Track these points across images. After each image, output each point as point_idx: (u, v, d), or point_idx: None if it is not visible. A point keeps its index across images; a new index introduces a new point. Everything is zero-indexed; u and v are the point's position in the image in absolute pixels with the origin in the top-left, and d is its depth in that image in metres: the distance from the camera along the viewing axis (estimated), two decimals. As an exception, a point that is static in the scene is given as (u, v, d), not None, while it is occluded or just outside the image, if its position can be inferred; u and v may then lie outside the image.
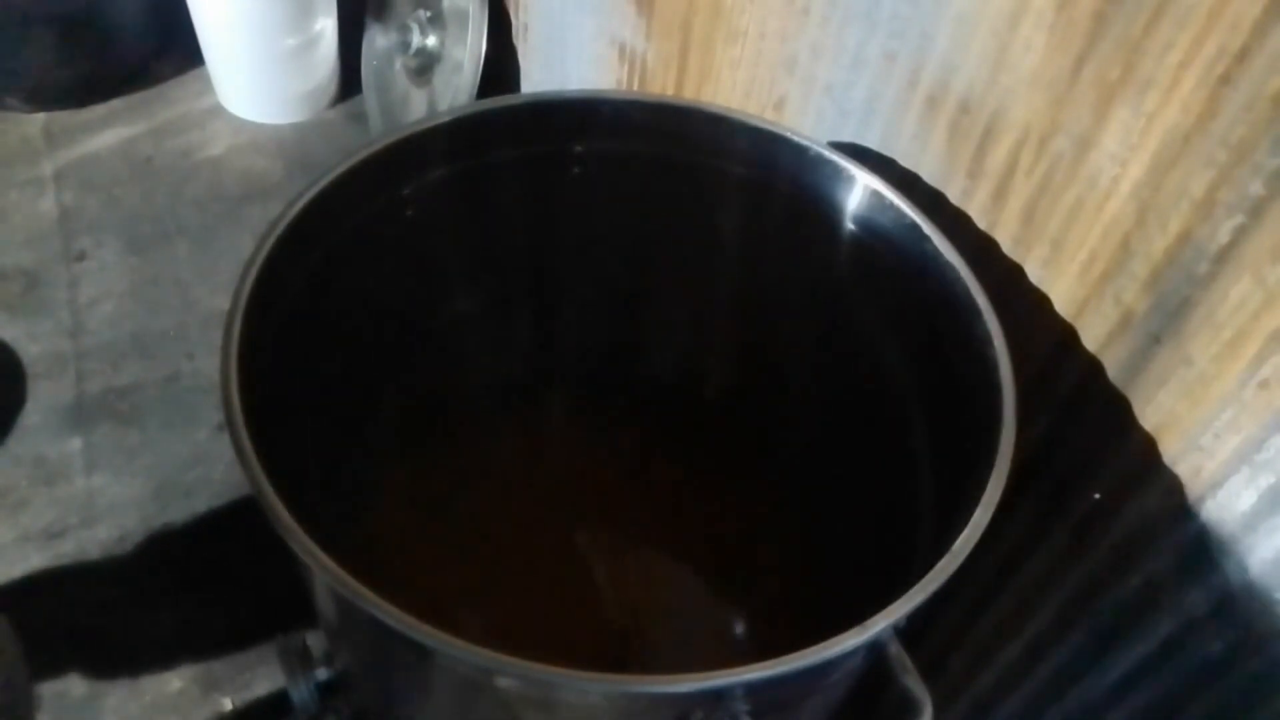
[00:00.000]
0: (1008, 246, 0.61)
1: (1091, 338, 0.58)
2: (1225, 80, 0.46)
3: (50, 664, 1.03)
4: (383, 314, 0.70)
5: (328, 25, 1.48)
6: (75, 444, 1.15)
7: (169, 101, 1.56)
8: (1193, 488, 0.53)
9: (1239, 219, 0.47)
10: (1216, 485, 0.52)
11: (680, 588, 0.79)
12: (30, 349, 1.23)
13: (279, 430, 0.48)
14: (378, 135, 0.59)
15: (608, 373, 0.82)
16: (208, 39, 1.48)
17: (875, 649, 0.50)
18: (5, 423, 1.16)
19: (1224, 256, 0.49)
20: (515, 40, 1.27)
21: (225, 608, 1.06)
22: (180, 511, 1.11)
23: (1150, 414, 0.55)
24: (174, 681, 1.02)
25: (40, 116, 1.51)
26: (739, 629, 0.75)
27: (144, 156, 1.49)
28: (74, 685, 1.02)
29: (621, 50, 1.00)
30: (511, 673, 0.40)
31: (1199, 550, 0.54)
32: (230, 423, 0.46)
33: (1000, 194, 0.61)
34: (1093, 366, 0.58)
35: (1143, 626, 0.59)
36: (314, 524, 0.43)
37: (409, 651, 0.46)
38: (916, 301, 0.61)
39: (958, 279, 0.56)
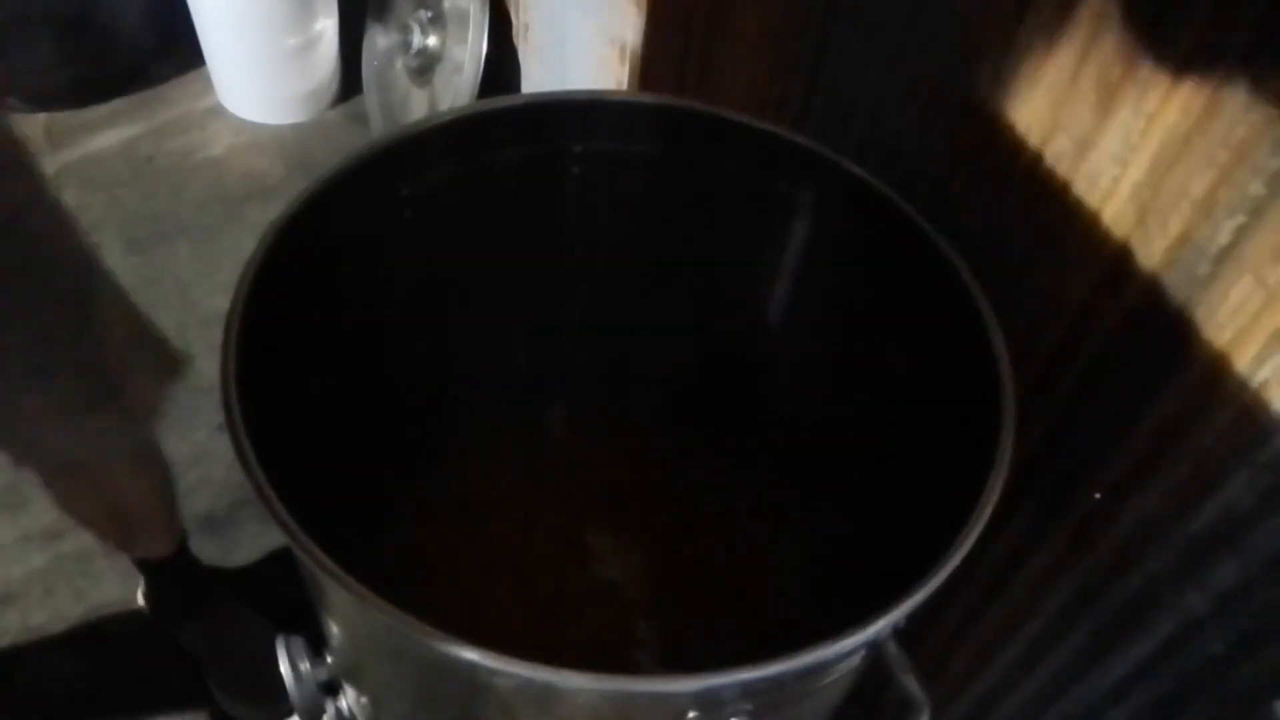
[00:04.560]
0: (1008, 247, 0.61)
1: (1091, 338, 0.58)
2: (1226, 80, 0.46)
3: (51, 662, 1.03)
4: (383, 314, 0.69)
5: (328, 25, 1.48)
6: (76, 444, 1.15)
7: (169, 101, 1.56)
8: (1193, 487, 0.53)
9: (1240, 219, 0.47)
10: (1216, 485, 0.52)
11: (680, 587, 0.79)
12: (31, 349, 1.23)
13: (279, 430, 0.48)
14: (378, 135, 0.59)
15: (608, 372, 0.82)
16: (208, 39, 1.48)
17: (874, 649, 0.50)
18: (6, 423, 1.16)
19: (1224, 257, 0.49)
20: (516, 40, 1.27)
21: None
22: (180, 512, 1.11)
23: (1150, 414, 0.55)
24: (175, 681, 1.02)
25: (40, 116, 1.51)
26: (738, 628, 0.75)
27: (144, 156, 1.49)
28: (74, 682, 1.02)
29: (621, 50, 1.00)
30: (510, 672, 0.40)
31: (1199, 550, 0.54)
32: (230, 423, 0.46)
33: (1000, 195, 0.61)
34: (1092, 366, 0.58)
35: (1143, 626, 0.59)
36: (313, 523, 0.43)
37: (409, 651, 0.46)
38: (916, 301, 0.61)
39: (958, 279, 0.56)
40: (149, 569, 1.00)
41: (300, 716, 0.61)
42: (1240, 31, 0.45)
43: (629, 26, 0.96)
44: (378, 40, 1.44)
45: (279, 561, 1.10)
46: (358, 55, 1.49)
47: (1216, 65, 0.46)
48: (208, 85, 1.56)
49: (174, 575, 1.00)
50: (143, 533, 0.94)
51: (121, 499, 0.87)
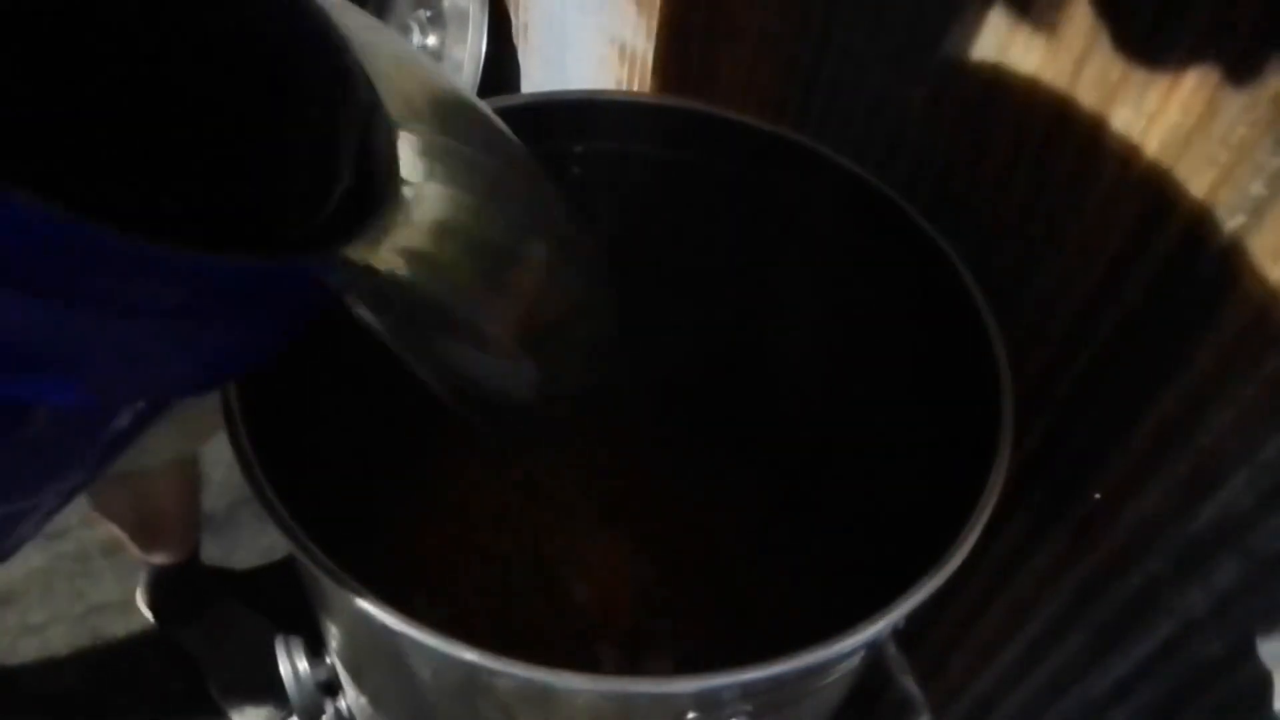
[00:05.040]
0: (1008, 246, 0.61)
1: (1092, 338, 0.58)
2: (1226, 80, 0.46)
3: (50, 663, 1.03)
4: (382, 314, 0.69)
5: (328, 25, 1.47)
6: (75, 444, 1.15)
7: (169, 101, 1.56)
8: (1193, 488, 0.53)
9: (1240, 219, 0.47)
10: (1216, 485, 0.52)
11: (679, 587, 0.79)
12: (30, 349, 1.23)
13: (279, 431, 0.48)
14: (377, 135, 0.58)
15: (607, 374, 0.82)
16: (208, 39, 1.48)
17: (874, 649, 0.50)
18: (6, 423, 1.16)
19: (1225, 257, 0.48)
20: (515, 40, 1.27)
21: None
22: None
23: (1151, 414, 0.55)
24: (174, 682, 1.02)
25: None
26: (738, 628, 0.75)
27: (144, 156, 1.49)
28: (73, 683, 1.02)
29: (621, 50, 1.00)
30: (509, 673, 0.40)
31: (1199, 550, 0.54)
32: (230, 423, 0.46)
33: (1001, 194, 0.61)
34: (1093, 367, 0.58)
35: (1143, 626, 0.59)
36: (313, 524, 0.43)
37: (409, 652, 0.46)
38: (916, 301, 0.61)
39: (958, 279, 0.56)
40: (156, 571, 1.00)
41: (299, 717, 0.61)
42: (1240, 31, 0.45)
43: (629, 26, 0.96)
44: (377, 40, 1.44)
45: (280, 566, 1.10)
46: (357, 55, 1.49)
47: (1216, 65, 0.46)
48: (207, 85, 1.56)
49: (180, 579, 1.00)
50: (166, 538, 0.94)
51: (157, 505, 0.88)
